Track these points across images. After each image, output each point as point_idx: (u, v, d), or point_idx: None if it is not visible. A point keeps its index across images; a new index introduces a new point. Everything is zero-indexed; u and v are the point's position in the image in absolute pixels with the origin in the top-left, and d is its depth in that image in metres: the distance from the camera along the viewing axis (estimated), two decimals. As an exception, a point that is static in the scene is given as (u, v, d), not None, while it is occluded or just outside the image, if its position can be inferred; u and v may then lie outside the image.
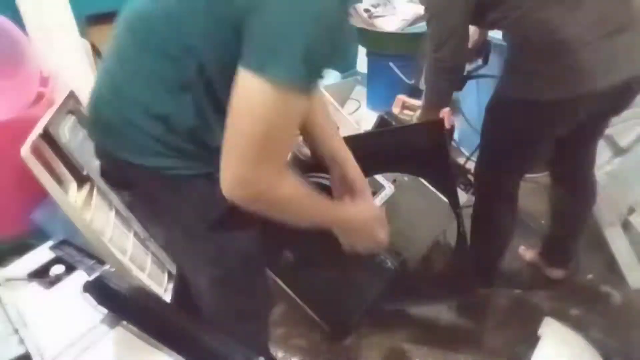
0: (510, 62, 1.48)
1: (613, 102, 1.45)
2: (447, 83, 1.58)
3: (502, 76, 1.56)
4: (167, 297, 1.78)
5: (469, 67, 1.80)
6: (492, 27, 1.52)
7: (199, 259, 1.02)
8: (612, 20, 1.32)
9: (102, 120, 0.91)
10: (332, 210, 0.99)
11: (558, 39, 1.31)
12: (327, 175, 1.62)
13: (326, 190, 1.57)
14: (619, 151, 1.96)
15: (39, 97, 1.65)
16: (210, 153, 0.83)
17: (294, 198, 0.85)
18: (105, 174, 1.03)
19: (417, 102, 2.69)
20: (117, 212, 1.73)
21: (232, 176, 0.75)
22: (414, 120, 1.79)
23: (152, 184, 0.91)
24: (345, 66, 3.65)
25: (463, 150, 2.62)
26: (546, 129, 1.47)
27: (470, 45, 1.73)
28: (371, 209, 1.14)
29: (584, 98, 1.36)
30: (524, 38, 1.38)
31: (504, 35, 1.59)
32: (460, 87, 1.74)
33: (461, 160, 2.21)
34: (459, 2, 1.42)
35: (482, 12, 1.43)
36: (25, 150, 1.39)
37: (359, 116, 3.18)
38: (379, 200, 1.70)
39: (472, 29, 1.74)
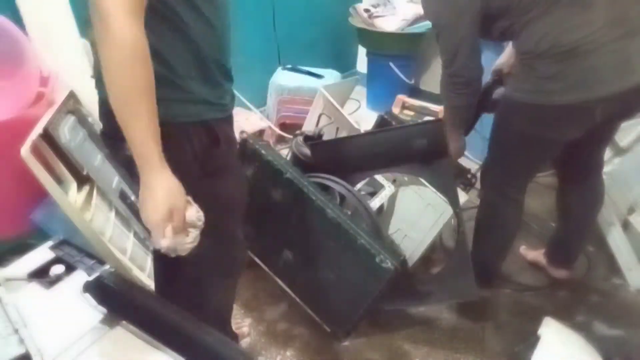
0: (521, 66, 1.46)
1: (628, 105, 1.42)
2: (464, 98, 1.56)
3: (513, 80, 1.54)
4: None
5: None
6: (502, 37, 1.49)
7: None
8: (626, 22, 1.29)
9: None
10: (153, 122, 0.82)
11: (570, 41, 1.29)
12: (327, 176, 1.63)
13: (326, 190, 1.58)
14: (619, 151, 1.96)
15: (39, 97, 1.65)
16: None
17: (136, 46, 0.77)
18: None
19: (417, 102, 2.71)
20: (117, 212, 1.73)
21: None
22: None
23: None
24: (345, 66, 3.66)
25: (466, 153, 2.61)
26: (559, 133, 1.46)
27: (507, 70, 1.72)
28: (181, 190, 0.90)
29: (600, 101, 1.34)
30: (534, 44, 1.35)
31: (513, 45, 1.57)
32: (489, 109, 1.69)
33: (464, 163, 2.20)
34: (465, 14, 1.41)
35: (490, 22, 1.42)
36: (25, 150, 1.39)
37: (359, 116, 3.18)
38: (379, 200, 1.71)
39: (508, 53, 1.73)
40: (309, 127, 2.39)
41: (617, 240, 1.95)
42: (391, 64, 3.15)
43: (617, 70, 1.31)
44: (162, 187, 0.85)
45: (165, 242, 0.87)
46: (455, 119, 1.66)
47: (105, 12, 0.74)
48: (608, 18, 1.28)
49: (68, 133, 1.58)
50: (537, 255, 2.00)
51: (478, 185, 1.90)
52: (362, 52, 3.60)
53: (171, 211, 0.86)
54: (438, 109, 2.59)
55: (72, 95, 1.75)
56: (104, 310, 1.13)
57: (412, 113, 2.68)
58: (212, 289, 1.21)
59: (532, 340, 1.27)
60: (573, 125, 1.43)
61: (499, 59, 1.77)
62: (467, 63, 1.48)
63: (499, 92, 1.72)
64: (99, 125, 1.85)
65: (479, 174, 1.83)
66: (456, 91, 1.55)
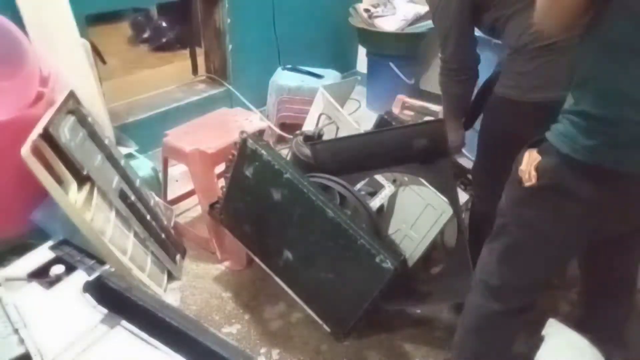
0: (506, 61, 1.47)
1: None
2: (458, 86, 1.58)
3: (499, 76, 1.55)
4: (167, 297, 1.78)
5: None
6: (492, 32, 1.51)
7: None
8: None
9: None
10: None
11: (548, 35, 1.28)
12: (327, 176, 1.63)
13: (326, 190, 1.58)
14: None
15: (39, 97, 1.65)
16: None
17: None
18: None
19: (417, 102, 2.70)
20: (117, 212, 1.73)
21: None
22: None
23: None
24: (346, 66, 3.66)
25: (466, 152, 2.61)
26: (533, 130, 1.46)
27: None
28: None
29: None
30: (517, 37, 1.37)
31: (501, 41, 1.59)
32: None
33: (464, 163, 2.20)
34: (453, 2, 1.45)
35: (480, 12, 1.45)
36: (25, 150, 1.39)
37: (359, 116, 3.18)
38: (379, 200, 1.70)
39: None
40: (309, 127, 2.39)
41: (617, 240, 1.95)
42: (391, 64, 3.14)
43: None
44: None
45: None
46: (451, 107, 1.67)
47: None
48: None
49: (68, 133, 1.59)
50: None
51: (478, 185, 1.90)
52: (362, 52, 3.60)
53: None
54: (438, 109, 2.58)
55: (72, 95, 1.75)
56: (104, 310, 1.13)
57: (412, 113, 2.67)
58: None
59: (534, 340, 1.27)
60: (545, 123, 1.41)
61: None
62: (458, 48, 1.50)
63: None
64: (99, 126, 1.86)
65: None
66: (450, 78, 1.57)
